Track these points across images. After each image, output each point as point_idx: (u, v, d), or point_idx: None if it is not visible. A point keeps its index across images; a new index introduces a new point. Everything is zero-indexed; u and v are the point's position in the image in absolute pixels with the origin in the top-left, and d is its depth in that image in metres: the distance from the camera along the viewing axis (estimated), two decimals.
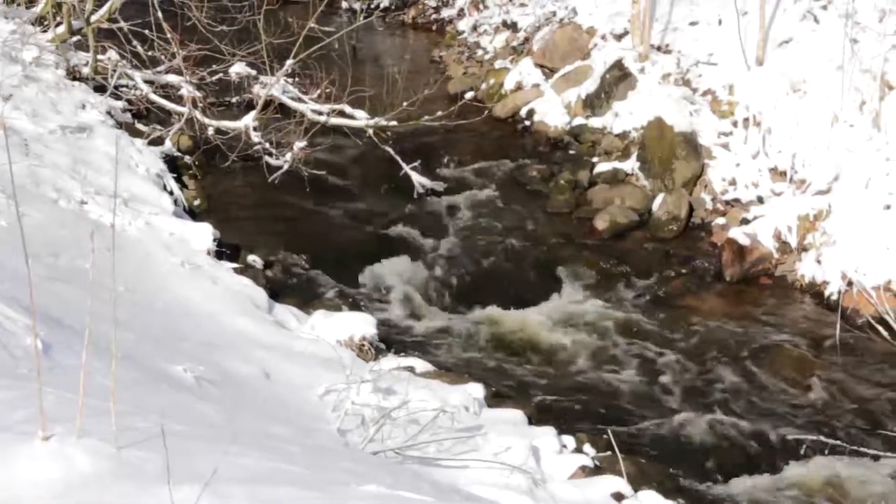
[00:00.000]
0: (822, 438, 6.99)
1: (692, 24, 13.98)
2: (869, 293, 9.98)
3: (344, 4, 18.86)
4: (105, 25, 13.28)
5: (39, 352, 4.45)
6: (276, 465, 4.16)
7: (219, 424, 5.29)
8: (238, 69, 13.85)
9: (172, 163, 11.97)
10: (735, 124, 12.60)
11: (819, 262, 10.82)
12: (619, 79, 13.48)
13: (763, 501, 7.91)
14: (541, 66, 14.82)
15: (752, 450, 8.43)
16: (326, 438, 6.42)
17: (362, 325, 9.06)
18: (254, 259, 10.50)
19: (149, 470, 3.54)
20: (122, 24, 13.35)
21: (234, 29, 13.73)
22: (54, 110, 11.14)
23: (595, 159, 13.00)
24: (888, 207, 10.74)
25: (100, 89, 12.63)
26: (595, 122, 13.48)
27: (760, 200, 11.91)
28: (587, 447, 7.91)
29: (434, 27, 18.42)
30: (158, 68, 13.44)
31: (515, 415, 8.07)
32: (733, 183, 12.20)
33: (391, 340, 9.51)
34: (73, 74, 12.75)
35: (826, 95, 11.96)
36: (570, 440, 7.93)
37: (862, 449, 7.15)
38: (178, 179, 11.61)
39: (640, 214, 12.08)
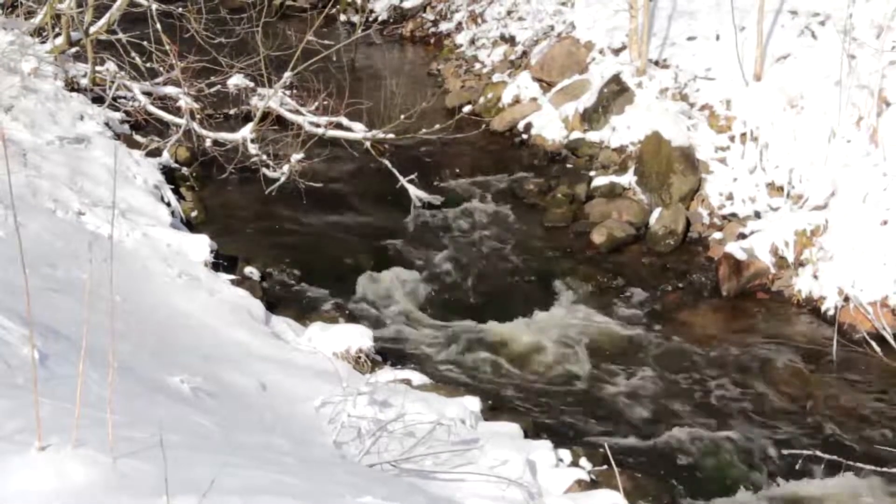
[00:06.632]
0: (819, 453, 6.99)
1: (690, 39, 14.01)
2: (866, 309, 9.99)
3: (342, 17, 18.91)
4: (104, 37, 13.31)
5: (36, 362, 4.44)
6: (273, 477, 4.16)
7: (215, 436, 5.28)
8: (236, 81, 13.87)
9: (170, 174, 12.00)
10: (732, 139, 12.61)
11: (816, 277, 10.82)
12: (616, 93, 13.50)
13: None
14: (538, 80, 14.85)
15: (749, 465, 8.42)
16: (323, 450, 6.41)
17: (359, 337, 9.05)
18: (251, 271, 10.51)
19: (145, 481, 3.53)
20: (121, 35, 13.38)
21: (233, 41, 13.77)
22: (52, 121, 11.15)
23: (592, 173, 13.02)
24: (885, 223, 10.74)
25: (98, 100, 12.65)
26: (592, 136, 13.50)
27: (757, 215, 11.91)
28: (583, 461, 7.90)
29: (432, 40, 18.44)
30: (157, 80, 13.46)
31: (512, 428, 8.07)
32: (730, 198, 12.21)
33: (388, 353, 9.51)
34: (72, 85, 12.77)
35: (823, 111, 11.98)
36: (566, 454, 7.92)
37: (858, 464, 7.14)
38: (176, 191, 11.63)
39: (637, 228, 12.09)
